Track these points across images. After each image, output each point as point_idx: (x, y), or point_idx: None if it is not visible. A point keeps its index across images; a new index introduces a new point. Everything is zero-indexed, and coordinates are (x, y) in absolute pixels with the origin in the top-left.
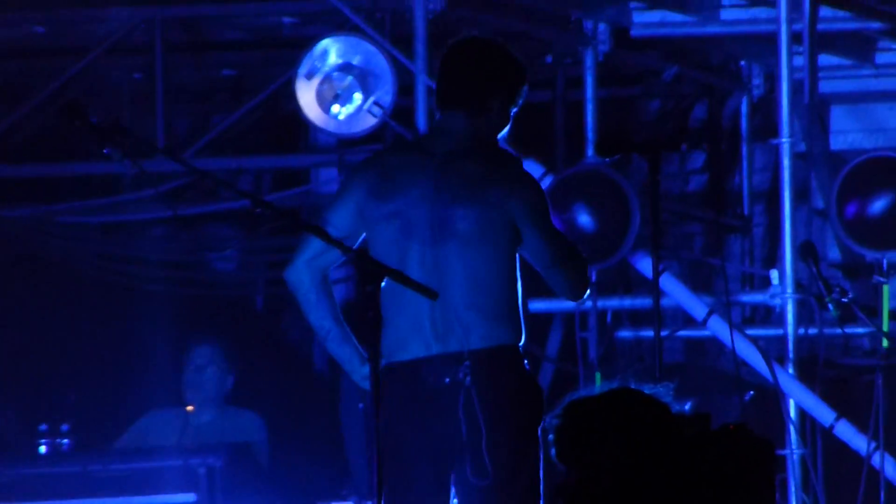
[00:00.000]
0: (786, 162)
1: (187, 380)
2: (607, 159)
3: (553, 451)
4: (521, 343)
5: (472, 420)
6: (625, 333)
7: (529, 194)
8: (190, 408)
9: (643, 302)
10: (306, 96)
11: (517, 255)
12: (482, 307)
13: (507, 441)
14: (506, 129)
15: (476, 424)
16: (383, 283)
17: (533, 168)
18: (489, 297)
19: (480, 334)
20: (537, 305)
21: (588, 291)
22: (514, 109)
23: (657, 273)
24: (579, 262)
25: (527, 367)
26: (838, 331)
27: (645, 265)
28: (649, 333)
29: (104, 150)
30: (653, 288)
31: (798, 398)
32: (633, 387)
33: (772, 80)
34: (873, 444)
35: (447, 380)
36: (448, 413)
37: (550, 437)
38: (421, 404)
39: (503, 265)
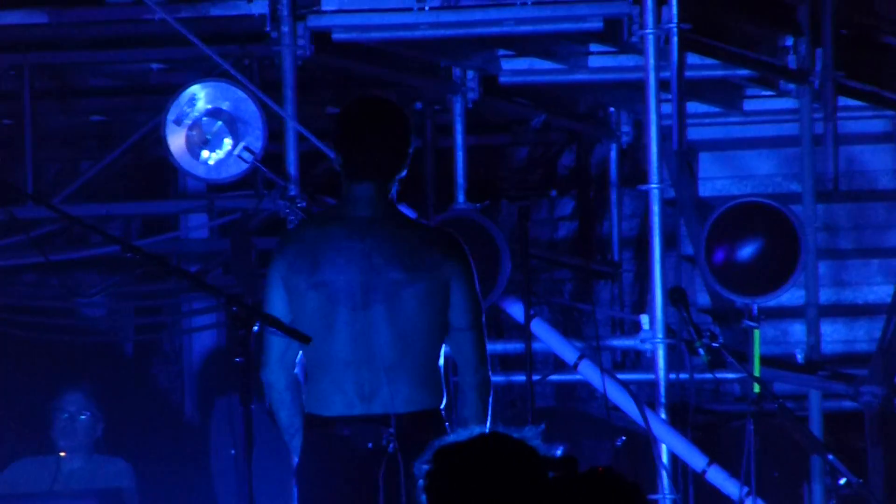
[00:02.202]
0: (655, 208)
1: (59, 427)
2: (477, 205)
3: (423, 497)
4: (442, 406)
5: (391, 488)
6: (497, 378)
7: (464, 256)
8: (62, 454)
9: (514, 346)
10: (175, 142)
11: (446, 319)
12: (409, 370)
13: None
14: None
15: (396, 492)
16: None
17: (405, 213)
18: (416, 360)
19: (406, 398)
20: None
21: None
22: None
23: (528, 318)
24: (484, 334)
25: (448, 430)
26: (709, 376)
27: (516, 310)
28: (521, 378)
29: None
30: (524, 332)
31: (670, 443)
32: (500, 431)
33: (640, 127)
34: (745, 490)
35: (370, 444)
36: (366, 479)
37: (420, 483)
38: (340, 464)
39: (432, 328)
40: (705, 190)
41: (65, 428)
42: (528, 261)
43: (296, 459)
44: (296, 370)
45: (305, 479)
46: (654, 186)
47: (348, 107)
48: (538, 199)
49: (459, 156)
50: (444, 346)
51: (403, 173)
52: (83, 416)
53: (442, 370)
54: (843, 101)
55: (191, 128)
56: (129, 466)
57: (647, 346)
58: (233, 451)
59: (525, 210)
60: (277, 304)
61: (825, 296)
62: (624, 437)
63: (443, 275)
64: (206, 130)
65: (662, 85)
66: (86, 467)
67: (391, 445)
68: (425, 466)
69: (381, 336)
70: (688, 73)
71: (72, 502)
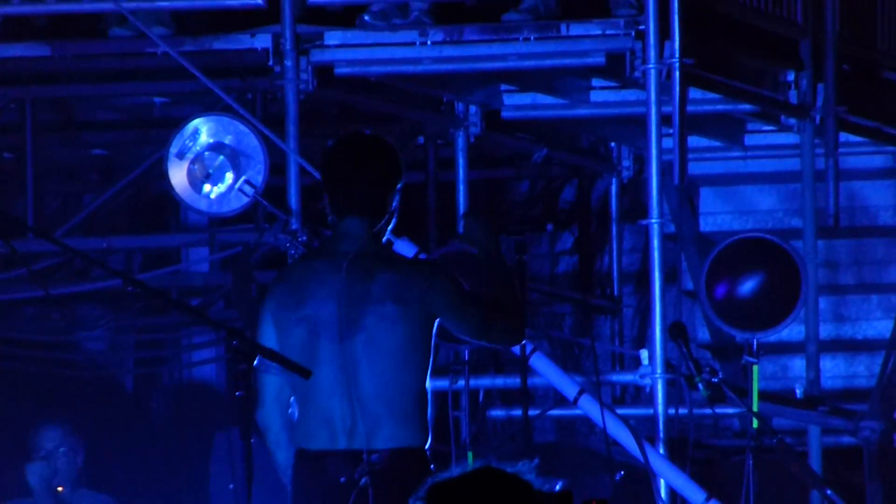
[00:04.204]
0: (655, 243)
1: (38, 465)
2: None
3: None
4: (427, 444)
5: None
6: (497, 412)
7: (445, 282)
8: (60, 488)
9: (514, 381)
10: (177, 176)
11: (431, 354)
12: (390, 405)
13: None
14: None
15: None
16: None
17: (406, 247)
18: (398, 395)
19: (387, 434)
20: None
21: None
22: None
23: (524, 353)
24: (507, 310)
25: (433, 470)
26: (708, 411)
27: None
28: (521, 412)
29: None
30: (522, 367)
31: (669, 478)
32: (495, 465)
33: (641, 161)
34: None
35: (343, 479)
36: None
37: None
38: (323, 497)
39: (413, 363)
40: (706, 225)
41: (44, 466)
42: (525, 295)
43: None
44: (290, 410)
45: None
46: (654, 221)
47: (333, 144)
48: (536, 234)
49: (461, 189)
50: (428, 380)
51: (392, 207)
52: (62, 451)
53: (429, 407)
54: (845, 136)
55: (193, 161)
56: (113, 501)
57: (647, 381)
58: (231, 486)
59: (522, 244)
60: (268, 342)
61: (825, 331)
62: (623, 472)
63: (428, 307)
64: (209, 164)
65: (664, 119)
66: (69, 501)
67: (363, 480)
68: (418, 503)
69: (360, 370)
70: (689, 108)
71: None
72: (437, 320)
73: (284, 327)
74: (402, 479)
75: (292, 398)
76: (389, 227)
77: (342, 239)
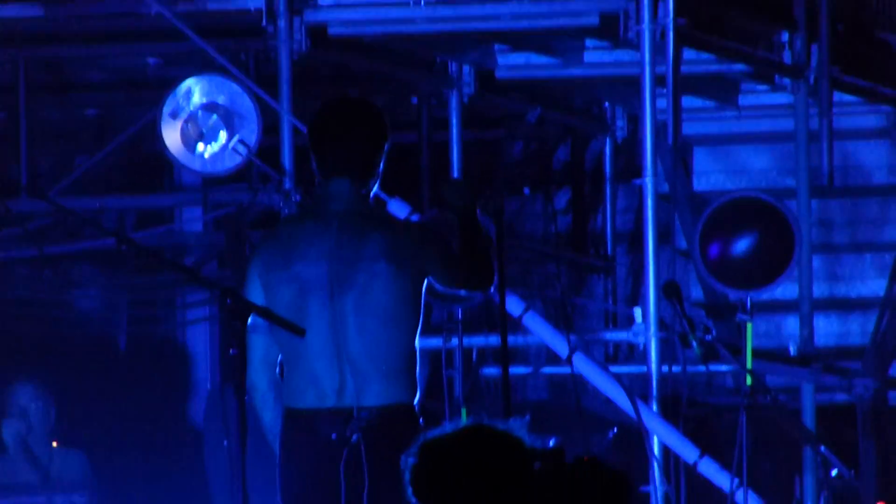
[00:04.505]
0: (649, 202)
1: (12, 421)
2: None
3: (409, 490)
4: (415, 401)
5: (353, 480)
6: (490, 371)
7: (437, 242)
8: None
9: (509, 340)
10: (171, 135)
11: (421, 313)
12: (380, 363)
13: (391, 501)
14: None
15: (359, 483)
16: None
17: (399, 207)
18: (384, 354)
19: (377, 390)
20: None
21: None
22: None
23: (503, 310)
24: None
25: (421, 425)
26: (702, 369)
27: (510, 303)
28: (516, 370)
29: None
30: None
31: (662, 436)
32: (487, 423)
33: (635, 121)
34: (736, 482)
35: (333, 436)
36: (332, 470)
37: (406, 476)
38: (313, 454)
39: (401, 321)
40: (700, 184)
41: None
42: (502, 256)
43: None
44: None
45: (282, 472)
46: (648, 181)
47: (320, 108)
48: (531, 195)
49: (455, 150)
50: (417, 339)
51: (378, 169)
52: (35, 406)
53: (417, 364)
54: (839, 96)
55: (186, 121)
56: (85, 459)
57: (640, 339)
58: (225, 443)
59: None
60: (253, 300)
61: (819, 290)
62: (616, 430)
63: (420, 267)
64: (202, 124)
65: (658, 80)
66: (43, 457)
67: (354, 436)
68: (410, 459)
69: (350, 329)
70: (683, 68)
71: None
72: (427, 279)
73: (272, 287)
74: (393, 435)
75: (279, 358)
76: (374, 188)
77: (330, 199)
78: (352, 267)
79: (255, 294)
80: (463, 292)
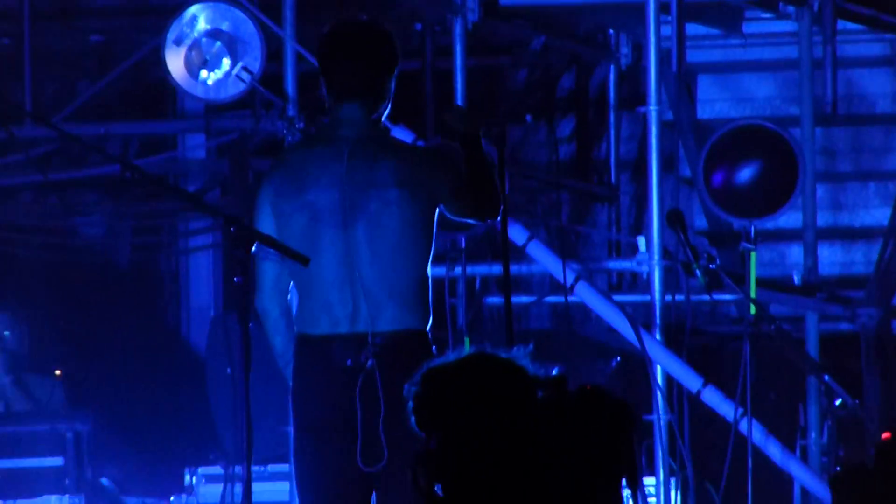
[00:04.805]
0: (653, 130)
1: None
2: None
3: (412, 419)
4: (428, 327)
5: (369, 404)
6: (493, 299)
7: (448, 168)
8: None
9: (512, 269)
10: (174, 62)
11: (433, 239)
12: (393, 289)
13: (406, 423)
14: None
15: (374, 408)
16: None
17: (403, 134)
18: (398, 280)
19: (390, 316)
20: None
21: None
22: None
23: (506, 240)
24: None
25: (434, 352)
26: (705, 297)
27: (513, 232)
28: (519, 299)
29: None
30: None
31: (665, 364)
32: (489, 351)
33: (639, 49)
34: (740, 411)
35: (349, 361)
36: (347, 396)
37: (410, 405)
38: (328, 381)
39: (415, 247)
40: (704, 112)
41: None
42: (503, 182)
43: (290, 385)
44: (288, 297)
45: (295, 398)
46: (652, 108)
47: (329, 29)
48: (534, 123)
49: (459, 77)
50: (429, 266)
51: (389, 92)
52: (6, 334)
53: (430, 291)
54: (843, 24)
55: (190, 48)
56: (59, 383)
57: (644, 267)
58: (228, 370)
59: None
60: (266, 229)
61: (823, 218)
62: (619, 358)
63: (433, 192)
64: (206, 51)
65: (662, 7)
66: (17, 383)
67: (369, 362)
68: (413, 388)
69: (363, 255)
70: None
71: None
72: (440, 206)
73: (284, 214)
74: (407, 360)
75: (291, 285)
76: (385, 113)
77: (341, 124)
78: (363, 194)
79: (267, 222)
80: (471, 220)
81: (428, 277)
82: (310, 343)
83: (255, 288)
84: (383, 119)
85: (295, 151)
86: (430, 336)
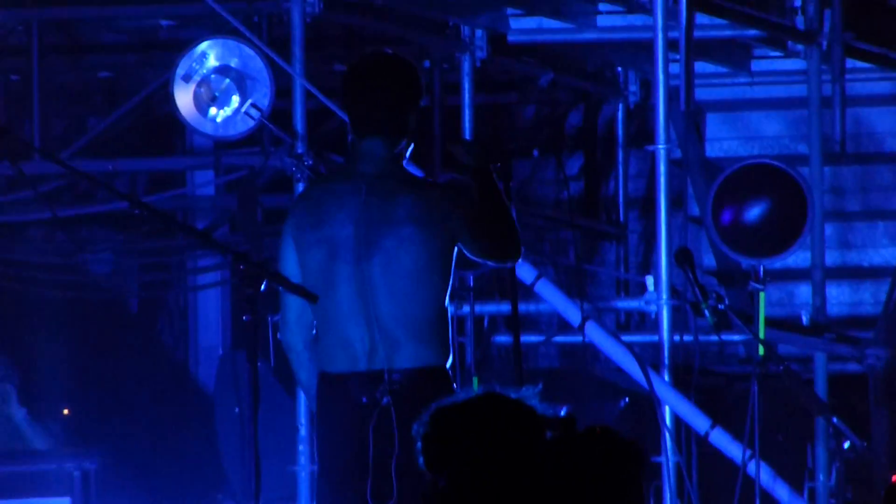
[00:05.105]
0: (661, 168)
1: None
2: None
3: (421, 459)
4: (448, 363)
5: (383, 441)
6: (501, 338)
7: (466, 206)
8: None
9: (520, 307)
10: (183, 98)
11: (451, 275)
12: (409, 326)
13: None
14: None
15: (389, 445)
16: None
17: (411, 171)
18: (417, 316)
19: (407, 353)
20: None
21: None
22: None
23: (513, 279)
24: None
25: (454, 388)
26: (714, 338)
27: (522, 271)
28: (527, 338)
29: None
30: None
31: (673, 405)
32: (498, 391)
33: (648, 86)
34: (749, 452)
35: (364, 399)
36: (362, 433)
37: (418, 445)
38: (345, 419)
39: (432, 284)
40: (712, 151)
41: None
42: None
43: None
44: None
45: (318, 436)
46: (660, 146)
47: (354, 62)
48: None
49: (467, 114)
50: (447, 301)
51: (412, 127)
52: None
53: (450, 327)
54: (851, 62)
55: (199, 84)
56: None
57: (652, 307)
58: (237, 409)
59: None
60: (289, 263)
61: (831, 258)
62: (628, 399)
63: (451, 229)
64: (215, 87)
65: (671, 45)
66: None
67: (384, 399)
68: (422, 428)
69: (379, 291)
70: (696, 33)
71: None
72: (458, 244)
73: (304, 249)
74: (425, 397)
75: (313, 322)
76: (409, 149)
77: (362, 159)
78: (379, 230)
79: (290, 256)
80: (491, 262)
81: (446, 311)
82: (329, 381)
83: (280, 321)
84: (406, 156)
85: (317, 186)
86: (449, 372)
